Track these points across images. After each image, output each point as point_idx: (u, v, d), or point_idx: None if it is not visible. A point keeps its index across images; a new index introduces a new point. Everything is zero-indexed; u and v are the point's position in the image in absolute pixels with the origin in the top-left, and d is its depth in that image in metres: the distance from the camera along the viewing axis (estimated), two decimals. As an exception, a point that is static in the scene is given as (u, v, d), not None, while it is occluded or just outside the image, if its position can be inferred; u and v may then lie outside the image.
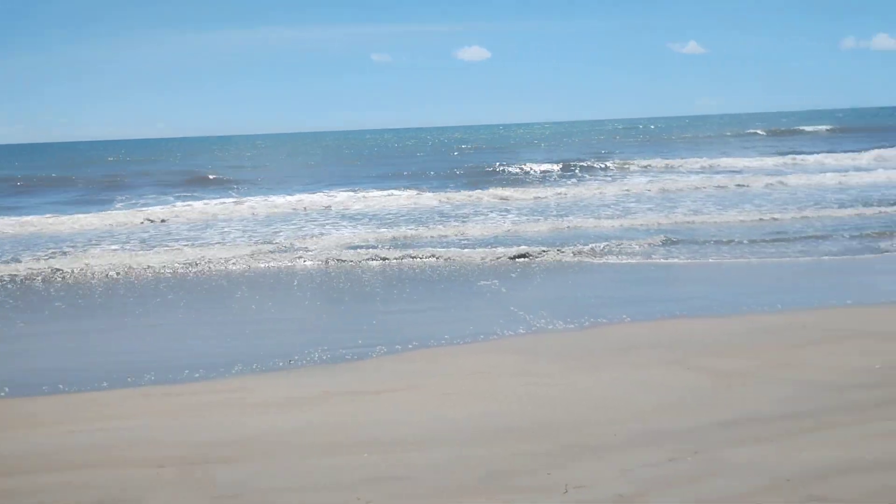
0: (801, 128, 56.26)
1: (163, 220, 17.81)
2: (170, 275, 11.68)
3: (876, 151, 30.14)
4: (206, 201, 20.84)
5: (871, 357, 6.16)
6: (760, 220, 15.17)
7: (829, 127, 55.78)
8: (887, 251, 11.56)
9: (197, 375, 6.70)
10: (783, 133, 53.28)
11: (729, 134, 54.35)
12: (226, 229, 16.42)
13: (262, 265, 12.12)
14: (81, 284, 11.20)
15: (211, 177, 31.59)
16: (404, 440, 4.87)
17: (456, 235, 14.43)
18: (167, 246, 14.24)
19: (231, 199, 21.02)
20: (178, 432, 5.21)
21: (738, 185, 21.90)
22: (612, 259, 11.72)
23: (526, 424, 5.08)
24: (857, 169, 25.21)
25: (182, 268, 12.04)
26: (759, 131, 55.25)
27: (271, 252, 13.05)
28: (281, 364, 7.02)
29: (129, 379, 6.66)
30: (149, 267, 12.03)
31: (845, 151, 31.73)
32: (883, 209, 15.81)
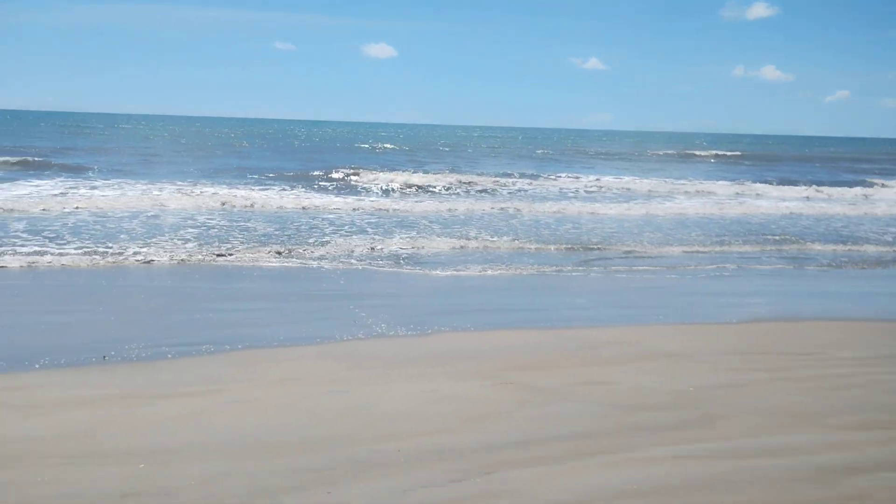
0: (695, 152, 56.59)
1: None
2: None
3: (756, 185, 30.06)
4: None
5: (681, 378, 6.25)
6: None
7: (739, 153, 56.24)
8: (721, 274, 11.96)
9: (-8, 369, 6.23)
10: (688, 157, 53.34)
11: (633, 153, 54.42)
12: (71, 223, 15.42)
13: (105, 260, 11.51)
14: None
15: (55, 162, 27.60)
16: (185, 450, 4.59)
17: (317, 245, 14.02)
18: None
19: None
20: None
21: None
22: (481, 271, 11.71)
23: (319, 437, 4.87)
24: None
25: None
26: (669, 152, 55.60)
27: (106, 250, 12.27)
28: (94, 360, 6.61)
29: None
30: None
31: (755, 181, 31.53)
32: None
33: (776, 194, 27.46)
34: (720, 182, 30.09)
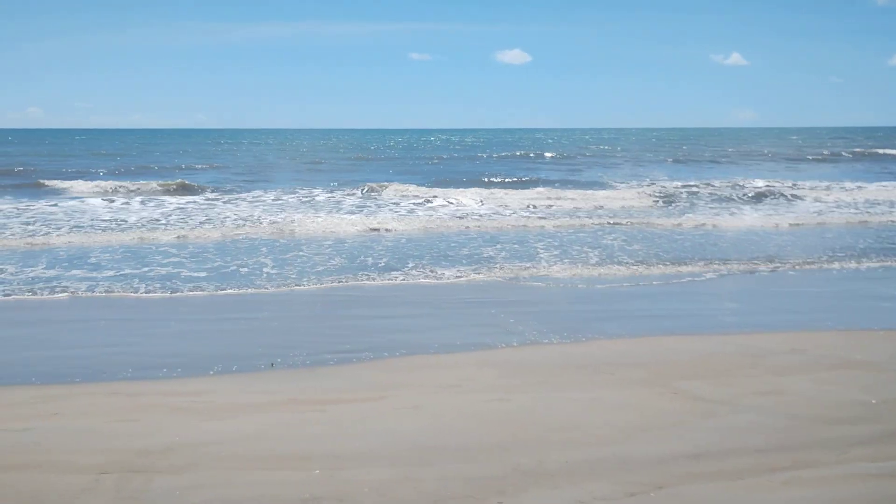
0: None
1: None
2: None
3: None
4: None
5: (864, 389, 5.83)
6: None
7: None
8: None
9: (174, 374, 6.59)
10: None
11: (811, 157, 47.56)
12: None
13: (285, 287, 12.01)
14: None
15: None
16: (356, 456, 4.67)
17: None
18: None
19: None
20: (132, 435, 5.05)
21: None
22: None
23: (484, 444, 4.84)
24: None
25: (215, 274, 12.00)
26: (843, 152, 49.27)
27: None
28: (262, 366, 6.88)
29: (104, 374, 6.60)
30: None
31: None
32: None
33: None
34: None
